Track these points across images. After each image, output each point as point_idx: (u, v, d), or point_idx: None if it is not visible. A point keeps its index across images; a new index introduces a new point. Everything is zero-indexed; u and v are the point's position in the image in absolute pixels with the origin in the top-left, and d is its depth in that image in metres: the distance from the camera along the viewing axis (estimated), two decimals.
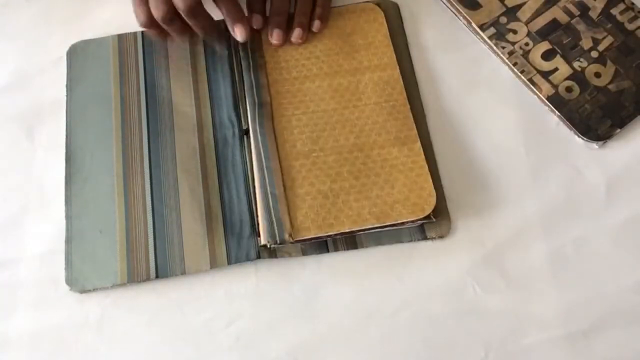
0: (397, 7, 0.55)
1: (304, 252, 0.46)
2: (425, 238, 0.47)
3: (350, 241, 0.47)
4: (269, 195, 0.46)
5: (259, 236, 0.46)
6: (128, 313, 0.45)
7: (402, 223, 0.46)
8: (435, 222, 0.47)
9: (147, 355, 0.44)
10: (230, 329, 0.45)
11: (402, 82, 0.51)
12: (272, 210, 0.46)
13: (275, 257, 0.46)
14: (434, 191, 0.46)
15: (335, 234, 0.46)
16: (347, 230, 0.45)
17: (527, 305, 0.45)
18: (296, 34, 0.52)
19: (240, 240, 0.46)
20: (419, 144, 0.48)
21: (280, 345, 0.44)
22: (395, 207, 0.46)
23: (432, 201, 0.46)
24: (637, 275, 0.46)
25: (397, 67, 0.51)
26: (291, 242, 0.45)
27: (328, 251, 0.46)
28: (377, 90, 0.50)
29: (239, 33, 0.49)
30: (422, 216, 0.46)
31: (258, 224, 0.46)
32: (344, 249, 0.47)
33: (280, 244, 0.45)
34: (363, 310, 0.45)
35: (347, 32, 0.53)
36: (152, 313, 0.45)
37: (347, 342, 0.44)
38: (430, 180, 0.47)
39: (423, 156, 0.48)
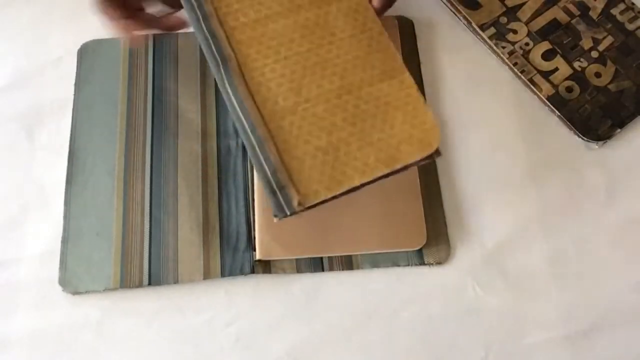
0: (411, 22, 0.54)
1: (299, 270, 0.46)
2: (422, 263, 0.46)
3: (347, 261, 0.46)
4: (265, 165, 0.41)
5: (255, 250, 0.46)
6: (128, 314, 0.45)
7: (406, 167, 0.41)
8: (434, 248, 0.46)
9: (146, 355, 0.44)
10: (230, 329, 0.45)
11: (372, 9, 0.45)
12: (272, 182, 0.40)
13: (270, 272, 0.46)
14: (435, 122, 0.42)
15: (348, 191, 0.41)
16: (358, 184, 0.41)
17: (527, 305, 0.45)
18: None
19: (235, 253, 0.46)
20: (407, 74, 0.43)
21: (280, 345, 0.44)
22: (401, 148, 0.41)
23: (437, 133, 0.42)
24: (637, 275, 0.46)
25: None
26: (302, 210, 0.40)
27: (323, 270, 0.46)
28: (349, 22, 0.44)
29: None
30: (430, 152, 0.41)
31: (254, 238, 0.46)
32: (340, 269, 0.46)
33: (291, 214, 0.40)
34: (363, 310, 0.45)
35: None
36: (151, 314, 0.45)
37: (347, 342, 0.44)
38: (430, 112, 0.42)
39: (416, 87, 0.43)
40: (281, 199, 0.40)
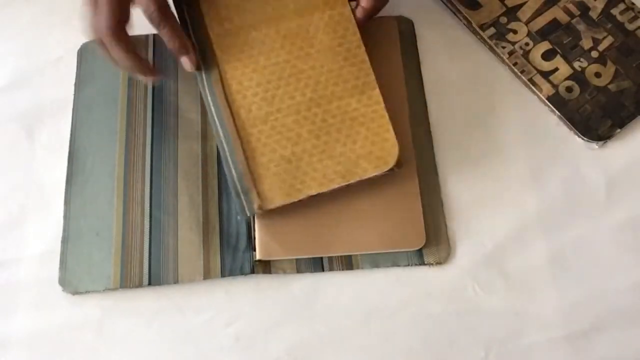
0: (411, 22, 0.54)
1: (299, 270, 0.46)
2: (422, 263, 0.46)
3: (347, 261, 0.46)
4: (233, 169, 0.45)
5: (255, 250, 0.46)
6: (128, 314, 0.45)
7: (369, 179, 0.45)
8: (434, 248, 0.46)
9: (146, 355, 0.44)
10: (230, 329, 0.45)
11: (354, 21, 0.47)
12: (237, 184, 0.44)
13: (270, 272, 0.46)
14: (395, 141, 0.45)
15: (304, 199, 0.44)
16: (314, 194, 0.44)
17: (527, 305, 0.45)
18: None
19: (235, 253, 0.46)
20: (377, 90, 0.46)
21: (280, 345, 0.44)
22: (359, 163, 0.45)
23: (395, 151, 0.45)
24: (637, 275, 0.46)
25: (347, 3, 0.47)
26: (261, 213, 0.44)
27: (323, 270, 0.46)
28: (329, 33, 0.46)
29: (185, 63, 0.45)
30: (385, 169, 0.45)
31: (254, 238, 0.46)
32: (340, 269, 0.46)
33: (251, 216, 0.44)
34: (363, 310, 0.45)
35: None
36: (151, 314, 0.45)
37: (347, 342, 0.44)
38: (392, 130, 0.45)
39: (383, 104, 0.46)
40: (244, 201, 0.44)
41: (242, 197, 0.44)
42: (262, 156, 0.45)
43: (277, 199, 0.44)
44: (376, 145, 0.45)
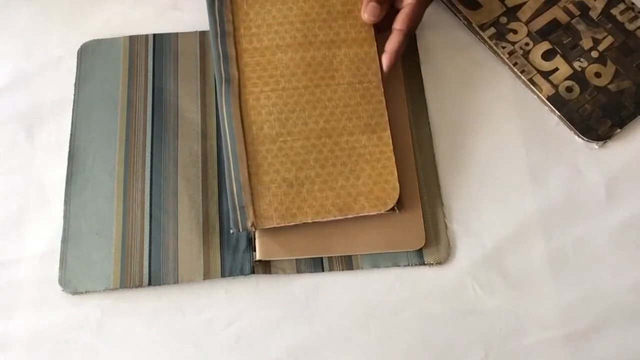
0: None
1: (299, 270, 0.46)
2: (422, 263, 0.46)
3: (347, 261, 0.46)
4: (234, 182, 0.45)
5: (255, 250, 0.46)
6: (128, 313, 0.45)
7: (366, 216, 0.46)
8: (434, 248, 0.46)
9: (146, 356, 0.44)
10: (230, 329, 0.45)
11: (378, 62, 0.48)
12: (236, 198, 0.45)
13: (270, 272, 0.46)
14: (397, 185, 0.46)
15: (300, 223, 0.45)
16: (309, 221, 0.45)
17: (527, 305, 0.45)
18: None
19: (235, 253, 0.46)
20: (388, 132, 0.47)
21: (280, 345, 0.44)
22: (358, 199, 0.46)
23: (395, 195, 0.46)
24: (637, 275, 0.46)
25: (375, 43, 0.48)
26: (253, 231, 0.45)
27: (323, 270, 0.46)
28: (352, 69, 0.47)
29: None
30: (383, 210, 0.46)
31: (254, 238, 0.46)
32: (340, 269, 0.46)
33: (243, 231, 0.45)
34: (363, 310, 0.45)
35: None
36: (152, 314, 0.45)
37: (347, 342, 0.44)
38: (396, 173, 0.46)
39: (391, 146, 0.47)
40: (239, 216, 0.45)
41: (238, 211, 0.45)
42: (265, 175, 0.45)
43: (271, 220, 0.45)
44: (377, 186, 0.46)
